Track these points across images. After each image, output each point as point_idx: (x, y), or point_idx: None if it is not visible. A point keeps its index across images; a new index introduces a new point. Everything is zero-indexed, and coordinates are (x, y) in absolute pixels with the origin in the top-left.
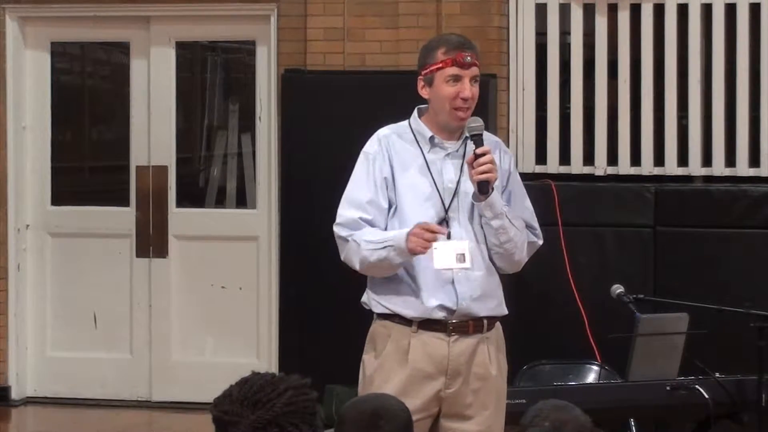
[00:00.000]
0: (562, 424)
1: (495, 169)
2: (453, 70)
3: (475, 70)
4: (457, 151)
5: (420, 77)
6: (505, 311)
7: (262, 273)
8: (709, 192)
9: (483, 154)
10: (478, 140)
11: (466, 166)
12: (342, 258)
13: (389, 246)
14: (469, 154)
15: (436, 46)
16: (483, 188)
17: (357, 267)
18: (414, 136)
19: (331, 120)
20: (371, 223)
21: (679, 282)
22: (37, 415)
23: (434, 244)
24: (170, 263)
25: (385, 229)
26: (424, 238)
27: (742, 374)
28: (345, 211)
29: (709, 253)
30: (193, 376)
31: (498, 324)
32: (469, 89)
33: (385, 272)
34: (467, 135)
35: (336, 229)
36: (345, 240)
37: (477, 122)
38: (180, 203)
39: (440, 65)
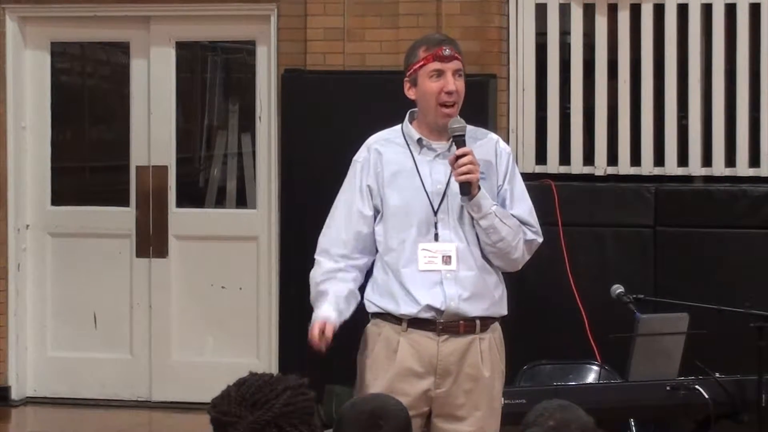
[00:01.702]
0: (565, 423)
1: (476, 170)
2: (434, 65)
3: (457, 64)
4: (448, 150)
5: (405, 79)
6: (504, 311)
7: (262, 273)
8: (709, 192)
9: (463, 155)
10: (459, 141)
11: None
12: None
13: (315, 304)
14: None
15: (417, 46)
16: (464, 189)
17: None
18: (405, 139)
19: (331, 120)
20: (347, 243)
21: (679, 282)
22: (37, 415)
23: (420, 245)
24: (170, 263)
25: (372, 233)
26: (312, 335)
27: (742, 374)
28: (327, 229)
29: (709, 253)
30: (193, 376)
31: (496, 325)
32: (453, 82)
33: None
34: (471, 135)
35: (319, 240)
36: (315, 257)
37: (459, 123)
38: (180, 203)
39: (422, 62)
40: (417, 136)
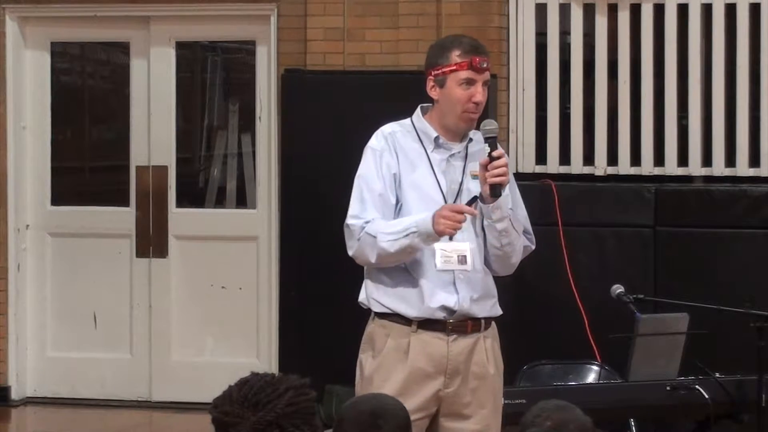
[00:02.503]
0: (563, 423)
1: (508, 172)
2: (467, 74)
3: (487, 75)
4: (459, 152)
5: (430, 77)
6: (500, 311)
7: (262, 273)
8: (709, 192)
9: (498, 157)
10: (492, 143)
11: (468, 168)
12: (351, 253)
13: (412, 233)
14: (478, 156)
15: (450, 47)
16: (496, 191)
17: (372, 260)
18: (417, 134)
19: (331, 120)
20: (383, 217)
21: (679, 282)
22: (37, 415)
23: (436, 245)
24: (170, 263)
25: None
26: (455, 219)
27: (742, 374)
28: (357, 207)
29: (709, 253)
30: (193, 376)
31: (493, 324)
32: (482, 93)
33: (404, 260)
34: (476, 137)
35: (349, 221)
36: (357, 234)
37: (492, 125)
38: (180, 203)
39: (454, 68)
40: (434, 134)
